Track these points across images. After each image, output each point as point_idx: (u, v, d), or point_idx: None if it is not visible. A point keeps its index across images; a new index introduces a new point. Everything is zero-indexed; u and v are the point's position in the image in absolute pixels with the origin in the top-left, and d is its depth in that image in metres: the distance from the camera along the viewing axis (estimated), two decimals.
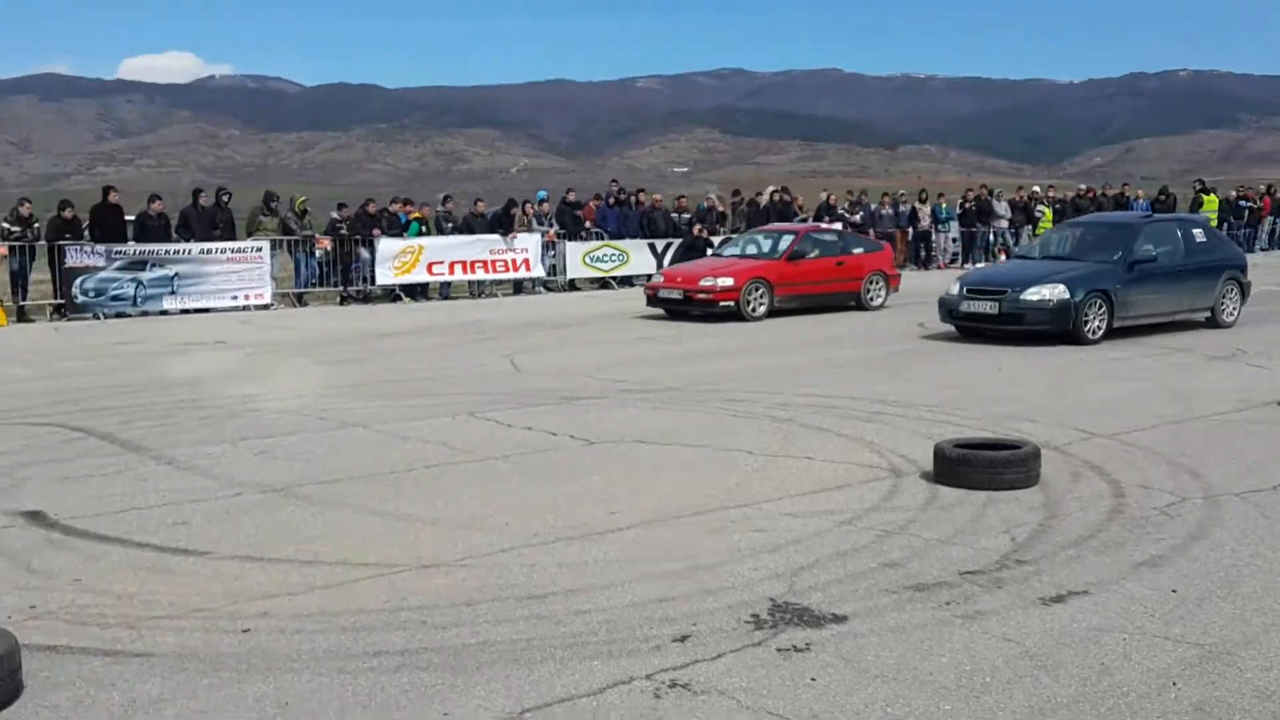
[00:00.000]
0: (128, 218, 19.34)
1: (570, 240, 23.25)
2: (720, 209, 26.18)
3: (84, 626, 4.58)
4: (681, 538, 5.80)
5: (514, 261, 22.19)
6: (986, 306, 13.79)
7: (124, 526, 6.02)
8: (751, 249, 18.55)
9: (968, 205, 28.84)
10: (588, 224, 23.86)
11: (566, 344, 14.60)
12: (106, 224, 18.64)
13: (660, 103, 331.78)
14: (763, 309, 17.02)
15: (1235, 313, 15.24)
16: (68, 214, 18.43)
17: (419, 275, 21.19)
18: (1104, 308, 13.65)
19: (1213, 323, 15.02)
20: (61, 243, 17.79)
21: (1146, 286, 14.14)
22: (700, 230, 23.51)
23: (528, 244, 22.39)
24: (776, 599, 4.85)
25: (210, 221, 19.64)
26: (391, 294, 21.17)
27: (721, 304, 16.80)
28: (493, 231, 22.23)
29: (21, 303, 18.11)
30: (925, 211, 27.93)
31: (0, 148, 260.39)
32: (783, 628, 4.52)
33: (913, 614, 4.70)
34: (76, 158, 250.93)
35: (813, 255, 17.96)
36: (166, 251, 18.61)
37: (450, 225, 22.39)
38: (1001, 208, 28.90)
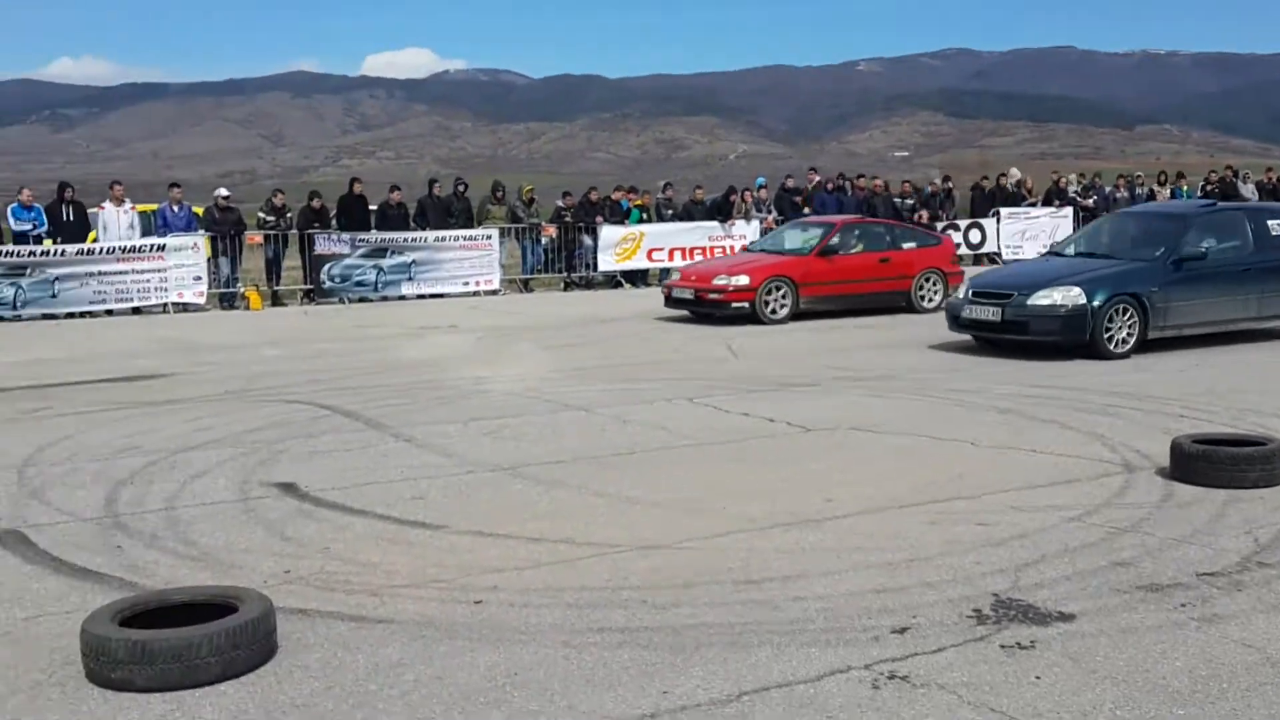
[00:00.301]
0: (370, 207, 20.48)
1: None
2: (945, 192, 25.50)
3: (332, 592, 4.90)
4: (900, 528, 5.74)
5: (732, 248, 22.26)
6: (989, 313, 11.85)
7: (367, 499, 6.41)
8: (785, 243, 16.92)
9: (1210, 188, 27.09)
10: (806, 210, 23.69)
11: (783, 330, 14.59)
12: (352, 213, 19.80)
13: (881, 86, 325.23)
14: (784, 311, 15.34)
15: None
16: (316, 204, 19.66)
17: (639, 261, 21.57)
18: (1134, 315, 11.54)
19: None
20: (311, 231, 18.98)
21: (1195, 289, 11.91)
22: (923, 216, 22.99)
23: (746, 230, 22.42)
24: (1000, 594, 4.74)
25: (445, 210, 20.56)
26: (613, 280, 21.61)
27: (734, 305, 15.19)
28: (711, 218, 22.40)
29: (275, 288, 19.48)
30: (1164, 194, 26.43)
31: (254, 141, 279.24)
32: (1006, 624, 4.43)
33: (1145, 615, 4.51)
34: (323, 150, 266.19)
35: (854, 250, 16.28)
36: (405, 239, 19.59)
37: (670, 212, 22.67)
38: (1247, 190, 27.02)
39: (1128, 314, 11.55)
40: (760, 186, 24.17)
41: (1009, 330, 11.73)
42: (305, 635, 4.40)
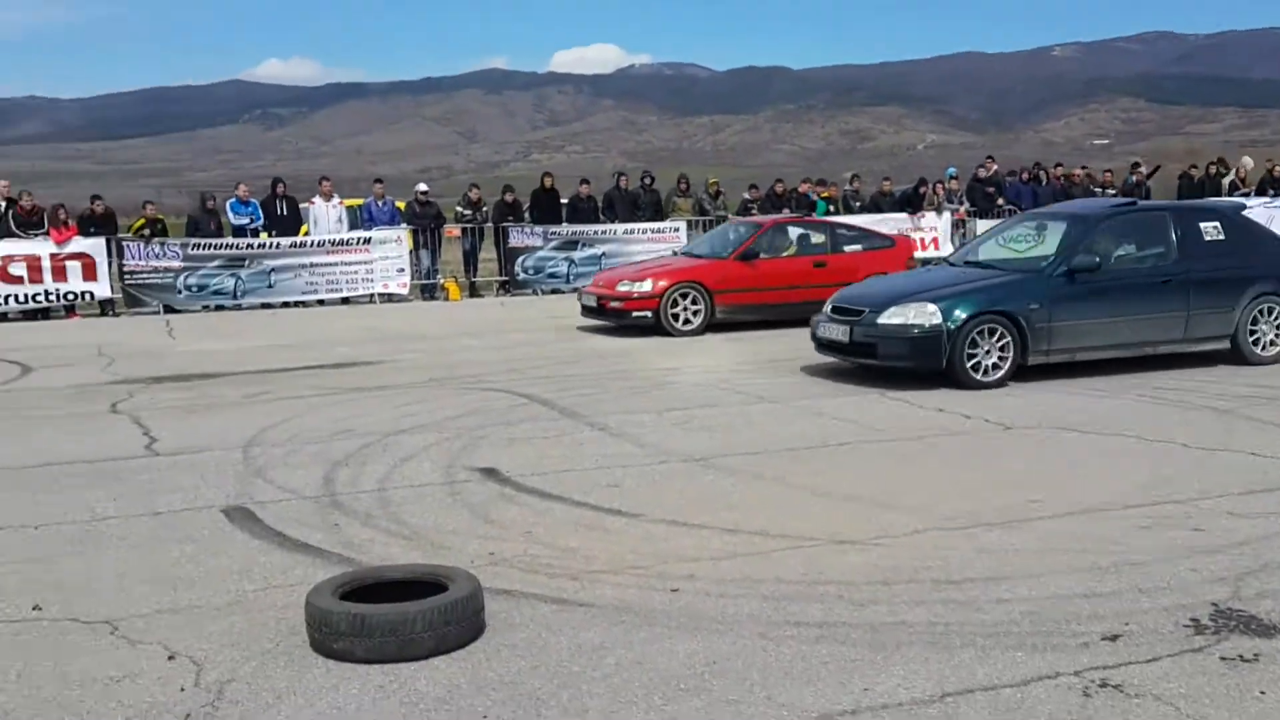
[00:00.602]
0: (562, 201, 20.92)
1: (981, 218, 22.50)
2: (1147, 182, 24.31)
3: (534, 575, 5.05)
4: (1109, 531, 5.53)
5: (922, 240, 21.80)
6: (839, 332, 10.28)
7: (564, 486, 6.58)
8: (711, 246, 15.34)
9: None
10: (1000, 201, 23.01)
11: None
12: (544, 206, 20.27)
13: (1078, 71, 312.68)
14: (696, 321, 13.87)
15: (1279, 344, 10.82)
16: (509, 198, 20.21)
17: None
18: (1008, 337, 9.75)
19: (1238, 356, 10.72)
20: (505, 225, 19.52)
21: (1094, 306, 10.07)
22: None
23: (936, 222, 21.94)
24: (1219, 604, 4.52)
25: (632, 203, 20.83)
26: None
27: (635, 314, 13.80)
28: (901, 210, 21.98)
29: (473, 279, 20.12)
30: None
31: (450, 138, 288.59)
32: (1226, 635, 4.22)
33: None
34: (514, 145, 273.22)
35: (785, 253, 14.77)
36: (595, 232, 19.93)
37: (858, 204, 22.36)
38: None
39: (998, 336, 9.75)
40: (951, 177, 23.60)
41: (858, 352, 10.19)
42: (511, 615, 4.54)
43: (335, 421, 8.56)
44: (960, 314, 9.69)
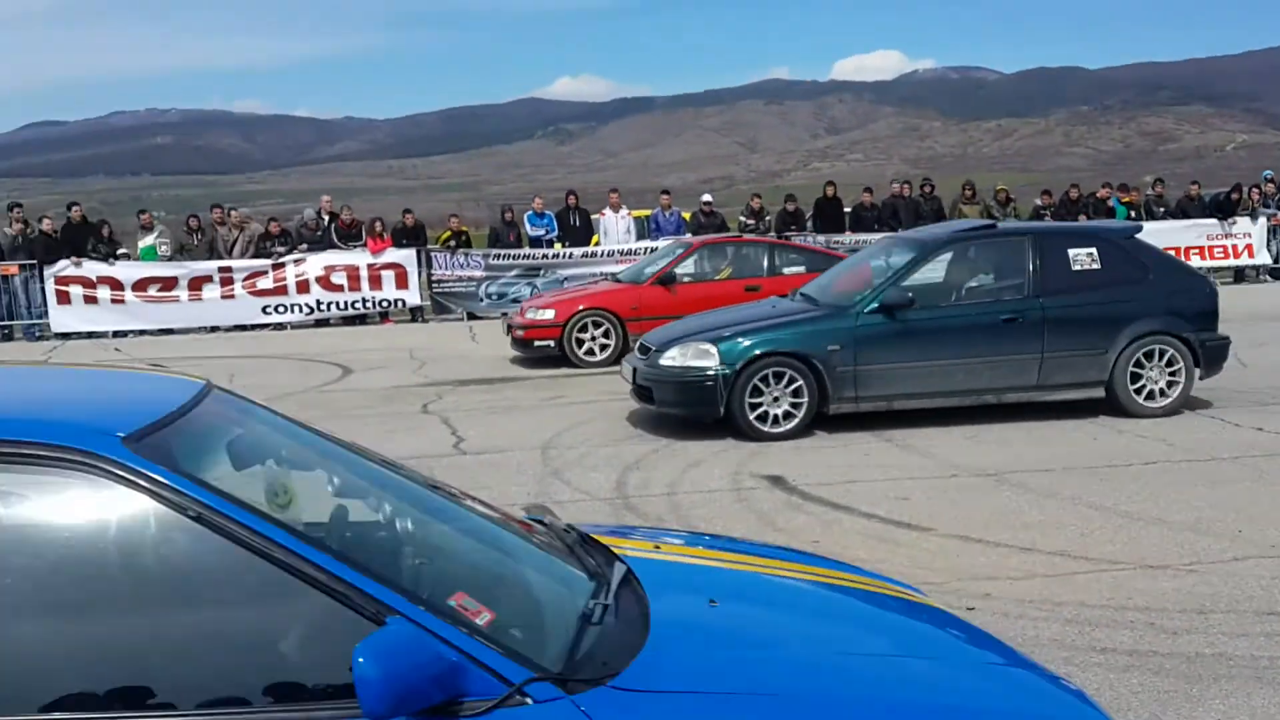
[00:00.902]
0: (845, 209, 20.79)
1: None
2: None
3: None
4: None
5: (1234, 248, 20.30)
6: (629, 372, 9.17)
7: (852, 496, 6.56)
8: (640, 270, 14.00)
9: None
10: None
11: None
12: (826, 215, 20.21)
13: None
14: (606, 352, 12.64)
15: (1172, 392, 8.76)
16: (791, 207, 20.25)
17: None
18: (800, 383, 8.37)
19: (1116, 406, 8.78)
20: (788, 233, 19.56)
21: (911, 348, 8.55)
22: None
23: (1250, 228, 20.35)
24: None
25: (914, 210, 20.43)
26: None
27: (537, 343, 12.73)
28: (1211, 215, 20.53)
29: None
30: None
31: (731, 148, 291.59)
32: None
33: None
34: (795, 155, 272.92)
35: (719, 276, 13.30)
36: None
37: (1161, 210, 21.05)
38: None
39: (790, 382, 8.42)
40: (1268, 180, 21.82)
41: (641, 395, 8.99)
42: None
43: (624, 425, 8.87)
44: (741, 356, 8.44)
